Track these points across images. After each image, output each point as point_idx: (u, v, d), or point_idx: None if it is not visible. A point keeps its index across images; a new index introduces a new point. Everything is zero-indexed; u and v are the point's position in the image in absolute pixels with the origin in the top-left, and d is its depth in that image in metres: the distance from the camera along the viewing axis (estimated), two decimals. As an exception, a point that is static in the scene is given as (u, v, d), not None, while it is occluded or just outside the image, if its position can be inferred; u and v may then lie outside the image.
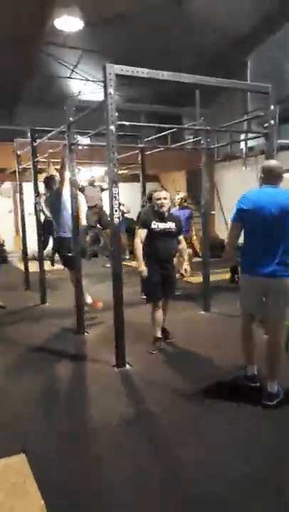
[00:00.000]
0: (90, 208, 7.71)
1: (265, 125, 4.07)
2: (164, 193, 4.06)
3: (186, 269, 4.35)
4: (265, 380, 3.00)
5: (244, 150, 9.66)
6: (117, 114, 3.39)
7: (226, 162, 10.55)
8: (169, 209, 4.14)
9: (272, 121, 4.02)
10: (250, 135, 6.87)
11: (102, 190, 7.59)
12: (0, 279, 7.02)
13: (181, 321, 5.07)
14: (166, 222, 4.04)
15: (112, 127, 3.34)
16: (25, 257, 7.34)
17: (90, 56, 9.45)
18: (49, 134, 5.26)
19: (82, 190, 7.42)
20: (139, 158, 6.50)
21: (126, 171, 8.71)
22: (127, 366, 3.66)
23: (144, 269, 3.96)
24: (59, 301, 6.00)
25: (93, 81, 10.18)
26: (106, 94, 3.34)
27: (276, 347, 3.00)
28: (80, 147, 8.34)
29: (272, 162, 3.09)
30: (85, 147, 7.84)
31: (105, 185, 7.53)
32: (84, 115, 4.14)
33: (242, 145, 9.70)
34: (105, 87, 3.33)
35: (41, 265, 6.07)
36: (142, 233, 3.99)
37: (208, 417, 2.89)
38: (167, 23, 8.04)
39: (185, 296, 6.27)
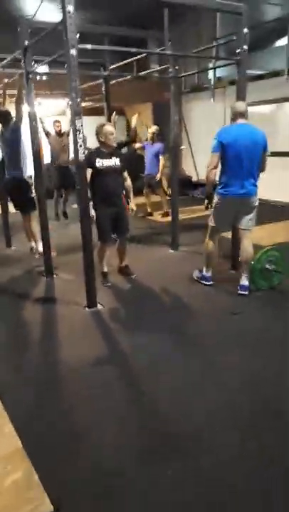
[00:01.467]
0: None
1: (238, 51, 3.80)
2: (111, 128, 3.91)
3: (132, 209, 4.25)
4: (241, 275, 3.81)
5: (212, 80, 9.23)
6: (78, 36, 3.06)
7: (193, 94, 10.10)
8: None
9: (245, 47, 3.75)
10: (219, 63, 6.49)
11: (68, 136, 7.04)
12: None
13: (150, 260, 5.09)
14: (110, 158, 3.90)
15: (72, 51, 3.02)
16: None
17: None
18: (3, 62, 4.75)
19: (47, 135, 6.92)
20: (103, 89, 6.08)
21: (89, 103, 8.20)
22: (99, 306, 3.66)
23: (93, 213, 3.83)
24: (26, 244, 5.82)
25: None
26: (64, 12, 2.98)
27: (251, 250, 3.75)
28: (38, 77, 7.64)
29: (237, 104, 3.63)
30: (43, 77, 7.20)
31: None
32: (41, 38, 3.72)
33: (210, 75, 9.26)
34: (63, 4, 2.96)
35: (3, 206, 5.79)
36: (86, 171, 3.77)
37: (184, 350, 2.97)
38: None
39: (154, 235, 6.26)
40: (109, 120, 6.12)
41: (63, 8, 2.98)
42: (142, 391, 2.55)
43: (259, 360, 2.80)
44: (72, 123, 3.22)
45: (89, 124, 7.36)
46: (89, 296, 3.63)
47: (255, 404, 2.36)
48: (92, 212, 3.83)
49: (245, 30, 3.67)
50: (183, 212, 6.58)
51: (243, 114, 3.55)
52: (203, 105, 9.70)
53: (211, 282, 4.03)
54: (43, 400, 2.48)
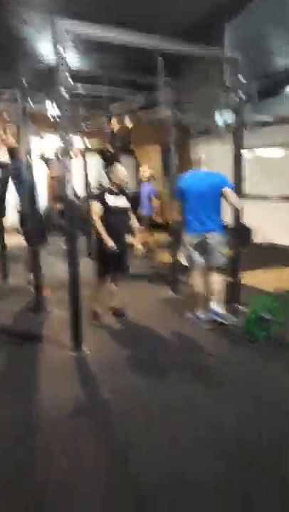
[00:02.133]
0: (53, 178, 7.33)
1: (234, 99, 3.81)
2: (123, 169, 4.05)
3: (138, 247, 4.18)
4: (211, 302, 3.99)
5: (220, 125, 9.37)
6: (69, 77, 3.07)
7: (202, 137, 10.23)
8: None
9: (241, 95, 3.77)
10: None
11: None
12: None
13: (148, 301, 4.93)
14: (120, 197, 3.99)
15: (62, 90, 3.03)
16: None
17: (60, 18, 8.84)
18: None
19: (46, 161, 7.03)
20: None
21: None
22: (84, 349, 3.47)
23: (112, 243, 3.82)
24: (22, 277, 5.69)
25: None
26: (56, 53, 3.01)
27: (210, 285, 3.99)
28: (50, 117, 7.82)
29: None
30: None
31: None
32: (40, 77, 3.80)
33: (219, 121, 9.39)
34: (55, 46, 3.00)
35: (1, 239, 5.76)
36: (96, 207, 3.89)
37: (163, 400, 2.79)
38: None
39: (156, 275, 6.10)
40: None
41: (55, 49, 3.02)
42: (113, 446, 2.34)
43: (249, 400, 2.75)
44: (62, 162, 3.19)
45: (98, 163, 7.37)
46: (74, 339, 3.46)
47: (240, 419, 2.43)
48: (111, 243, 3.82)
49: (241, 78, 3.69)
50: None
51: (197, 163, 4.05)
52: (211, 149, 9.79)
53: (204, 323, 4.03)
54: (8, 447, 2.28)
